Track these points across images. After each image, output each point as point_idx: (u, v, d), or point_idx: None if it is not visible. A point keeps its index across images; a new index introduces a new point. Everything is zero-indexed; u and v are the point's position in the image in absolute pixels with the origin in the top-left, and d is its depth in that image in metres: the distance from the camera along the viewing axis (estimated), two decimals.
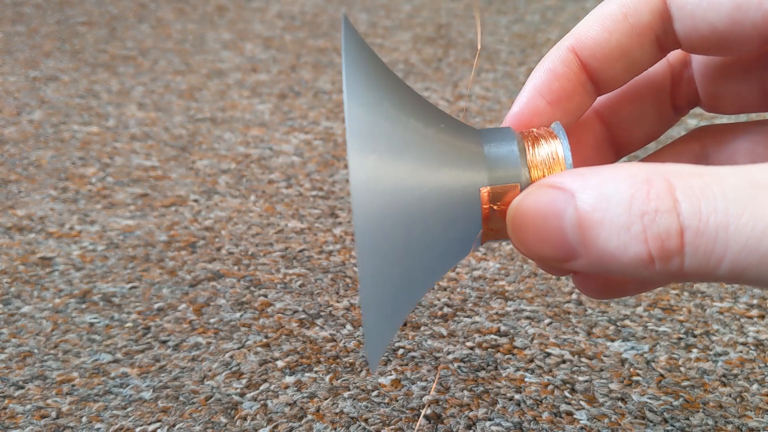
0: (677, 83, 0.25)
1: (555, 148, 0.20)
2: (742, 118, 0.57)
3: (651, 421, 0.31)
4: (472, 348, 0.35)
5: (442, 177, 0.19)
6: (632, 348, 0.35)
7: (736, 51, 0.21)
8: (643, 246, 0.16)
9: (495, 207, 0.20)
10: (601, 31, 0.22)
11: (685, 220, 0.16)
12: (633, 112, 0.25)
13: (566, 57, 0.22)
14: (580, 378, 0.33)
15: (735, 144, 0.24)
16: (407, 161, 0.18)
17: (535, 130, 0.21)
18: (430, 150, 0.19)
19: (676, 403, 0.32)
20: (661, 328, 0.37)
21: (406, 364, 0.34)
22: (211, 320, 0.37)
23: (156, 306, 0.38)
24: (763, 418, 0.31)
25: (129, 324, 0.37)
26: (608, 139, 0.25)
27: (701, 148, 0.25)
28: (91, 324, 0.37)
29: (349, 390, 0.32)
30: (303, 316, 0.38)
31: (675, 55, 0.25)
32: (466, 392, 0.32)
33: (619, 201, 0.17)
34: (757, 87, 0.23)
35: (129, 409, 0.32)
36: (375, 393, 0.32)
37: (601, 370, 0.34)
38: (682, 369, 0.34)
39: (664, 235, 0.16)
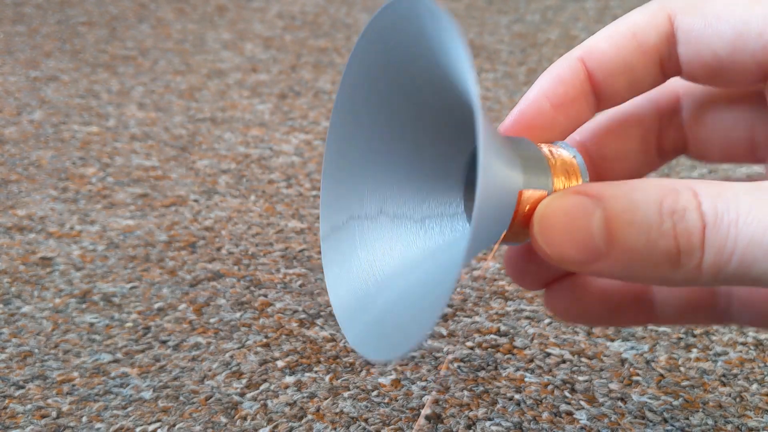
0: (666, 128, 0.26)
1: (571, 161, 0.21)
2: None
3: (651, 421, 0.31)
4: (472, 348, 0.35)
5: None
6: (632, 348, 0.35)
7: (734, 82, 0.22)
8: (673, 242, 0.18)
9: (523, 210, 0.20)
10: (610, 45, 0.23)
11: (706, 217, 0.18)
12: (617, 148, 0.26)
13: (574, 65, 0.23)
14: (580, 378, 0.33)
15: None
16: None
17: (546, 145, 0.22)
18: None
19: (675, 402, 0.32)
20: (661, 328, 0.37)
21: (406, 364, 0.34)
22: (211, 320, 0.37)
23: (156, 306, 0.38)
24: (762, 417, 0.31)
25: (129, 324, 0.37)
26: (590, 173, 0.26)
27: None
28: (91, 324, 0.37)
29: (349, 390, 0.33)
30: (303, 316, 0.38)
31: (666, 98, 0.25)
32: (466, 392, 0.32)
33: (650, 203, 0.18)
34: (745, 136, 0.24)
35: (129, 409, 0.32)
36: (375, 393, 0.32)
37: (601, 370, 0.34)
38: (681, 369, 0.34)
39: (692, 229, 0.18)
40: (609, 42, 0.23)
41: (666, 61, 0.23)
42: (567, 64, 0.23)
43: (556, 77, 0.23)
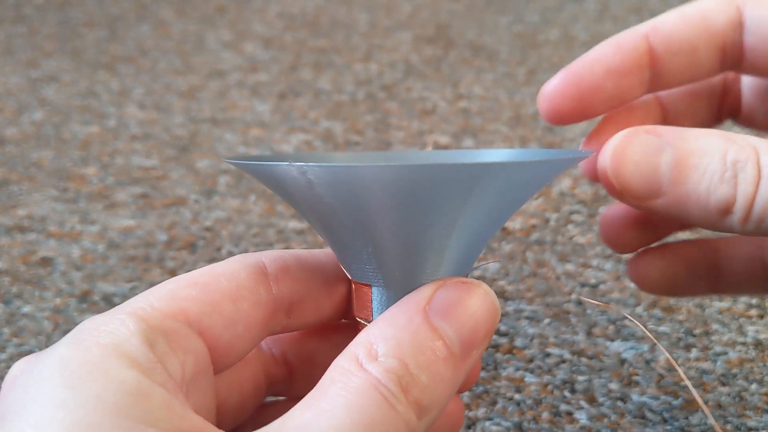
0: (727, 92, 0.27)
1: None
2: None
3: (651, 421, 0.31)
4: None
5: None
6: (632, 348, 0.35)
7: None
8: (731, 190, 0.19)
9: None
10: (677, 23, 0.23)
11: (763, 170, 0.19)
12: (690, 105, 0.27)
13: (637, 38, 0.24)
14: (580, 378, 0.33)
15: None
16: None
17: None
18: None
19: (675, 402, 0.32)
20: (661, 328, 0.37)
21: None
22: None
23: None
24: (762, 417, 0.31)
25: None
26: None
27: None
28: None
29: None
30: None
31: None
32: (466, 392, 0.32)
33: (715, 151, 0.20)
34: None
35: None
36: None
37: (601, 370, 0.34)
38: (681, 369, 0.34)
39: (749, 179, 0.19)
40: (677, 20, 0.23)
41: (729, 47, 0.23)
42: (630, 35, 0.24)
43: (615, 45, 0.24)
